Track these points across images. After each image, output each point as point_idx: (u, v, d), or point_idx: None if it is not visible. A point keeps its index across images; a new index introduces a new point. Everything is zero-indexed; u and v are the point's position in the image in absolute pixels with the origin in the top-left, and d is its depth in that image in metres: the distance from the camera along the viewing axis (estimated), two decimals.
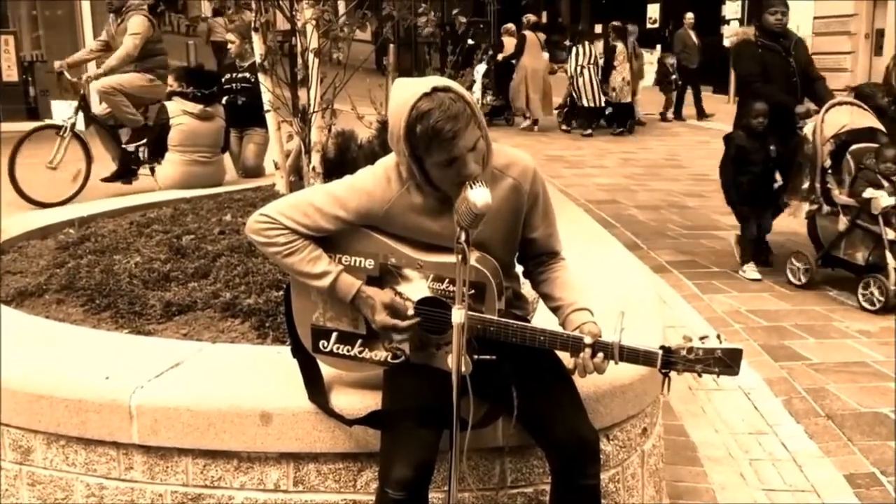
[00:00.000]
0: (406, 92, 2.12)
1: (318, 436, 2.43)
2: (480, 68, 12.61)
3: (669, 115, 15.68)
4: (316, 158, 4.62)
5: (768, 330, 4.84)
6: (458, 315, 2.04)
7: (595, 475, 2.24)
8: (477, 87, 12.56)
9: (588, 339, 2.19)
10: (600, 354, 2.18)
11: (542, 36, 14.80)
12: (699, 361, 2.17)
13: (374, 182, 2.28)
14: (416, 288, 2.29)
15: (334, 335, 2.39)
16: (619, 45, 13.83)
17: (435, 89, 2.08)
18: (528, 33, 14.07)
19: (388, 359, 2.36)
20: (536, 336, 2.22)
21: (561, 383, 2.32)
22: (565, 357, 2.35)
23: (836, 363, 4.38)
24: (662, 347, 2.19)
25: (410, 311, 2.28)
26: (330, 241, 2.32)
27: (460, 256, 2.00)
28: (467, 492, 2.46)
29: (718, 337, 2.19)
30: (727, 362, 2.16)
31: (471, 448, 2.23)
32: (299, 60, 4.59)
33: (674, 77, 15.21)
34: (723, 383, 4.14)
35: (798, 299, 5.39)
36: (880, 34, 16.12)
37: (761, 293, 5.52)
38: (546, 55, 15.08)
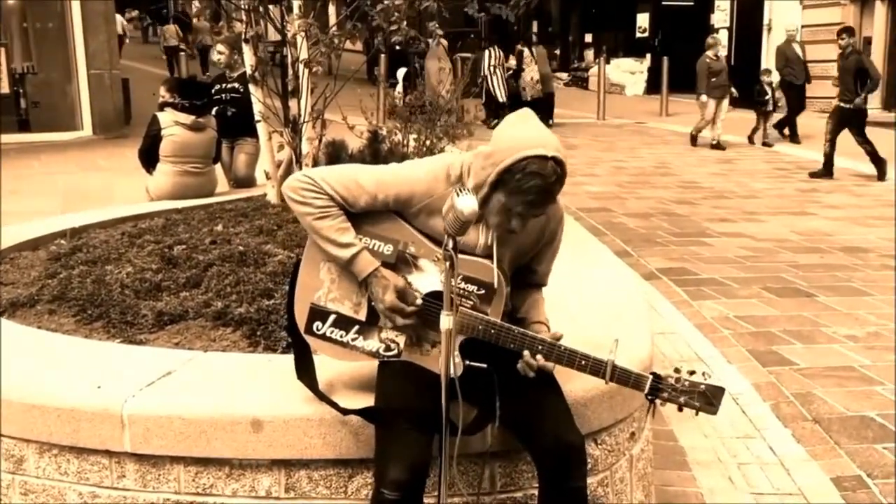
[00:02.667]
0: (527, 134, 2.20)
1: (310, 442, 2.45)
2: (401, 72, 14.55)
3: (757, 138, 13.66)
4: (307, 168, 4.65)
5: (756, 336, 4.88)
6: (446, 321, 2.08)
7: (582, 478, 2.27)
8: (399, 88, 14.21)
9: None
10: (539, 357, 2.28)
11: (446, 42, 15.64)
12: (684, 393, 2.29)
13: (423, 176, 2.37)
14: (426, 280, 2.35)
15: (332, 317, 2.42)
16: (526, 51, 15.51)
17: (554, 158, 2.16)
18: (430, 41, 14.96)
19: (381, 350, 2.40)
20: (535, 345, 2.28)
21: (547, 388, 2.36)
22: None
23: (824, 368, 4.42)
24: (653, 374, 2.29)
25: (419, 301, 2.34)
26: (355, 219, 2.38)
27: (448, 263, 2.04)
28: (457, 496, 2.49)
29: (703, 374, 2.32)
30: (709, 398, 2.29)
31: (460, 453, 2.26)
32: (290, 71, 4.63)
33: (766, 98, 13.35)
34: None
35: (786, 305, 5.44)
36: (868, 42, 16.26)
37: (750, 299, 5.57)
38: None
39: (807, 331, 4.97)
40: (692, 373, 2.31)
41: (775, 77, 14.01)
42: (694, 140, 13.56)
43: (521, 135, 2.21)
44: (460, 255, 2.28)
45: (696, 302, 5.50)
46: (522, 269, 2.49)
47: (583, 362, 2.29)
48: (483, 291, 2.29)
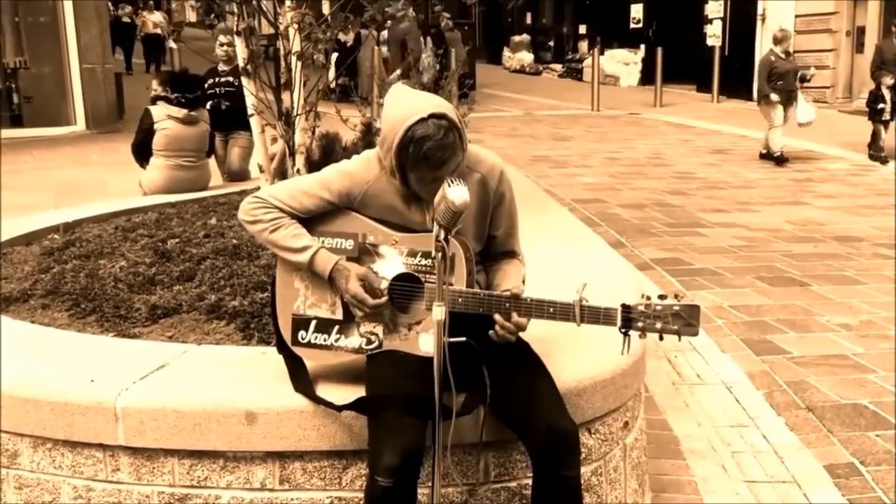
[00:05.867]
0: (403, 108, 2.28)
1: (304, 434, 2.46)
2: (333, 56, 15.17)
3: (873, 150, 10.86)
4: (300, 161, 4.64)
5: (750, 325, 4.90)
6: (438, 312, 2.09)
7: (575, 466, 2.28)
8: (332, 71, 14.79)
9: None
10: (514, 314, 2.28)
11: (376, 32, 16.09)
12: (658, 318, 2.20)
13: (356, 166, 2.47)
14: (390, 265, 2.40)
15: (313, 323, 2.47)
16: (429, 40, 16.09)
17: (432, 116, 2.23)
18: (362, 31, 15.25)
19: (363, 345, 2.44)
20: (502, 303, 2.29)
21: (538, 377, 2.37)
22: (540, 349, 2.41)
23: (817, 356, 4.43)
24: (622, 304, 2.23)
25: (384, 285, 2.39)
26: (312, 224, 2.46)
27: (440, 254, 2.05)
28: (451, 486, 2.50)
29: (675, 296, 2.24)
30: (686, 319, 2.20)
31: (454, 443, 2.27)
32: (282, 64, 4.61)
33: (881, 106, 10.55)
34: (705, 377, 4.19)
35: (779, 294, 5.45)
36: (861, 31, 16.27)
37: (744, 289, 5.58)
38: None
39: (800, 320, 4.99)
40: (663, 297, 2.23)
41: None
42: (778, 159, 10.51)
43: (395, 112, 2.29)
44: (412, 235, 2.37)
45: (690, 292, 5.51)
46: (487, 242, 2.52)
47: (551, 310, 2.28)
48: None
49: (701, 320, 4.96)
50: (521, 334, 2.37)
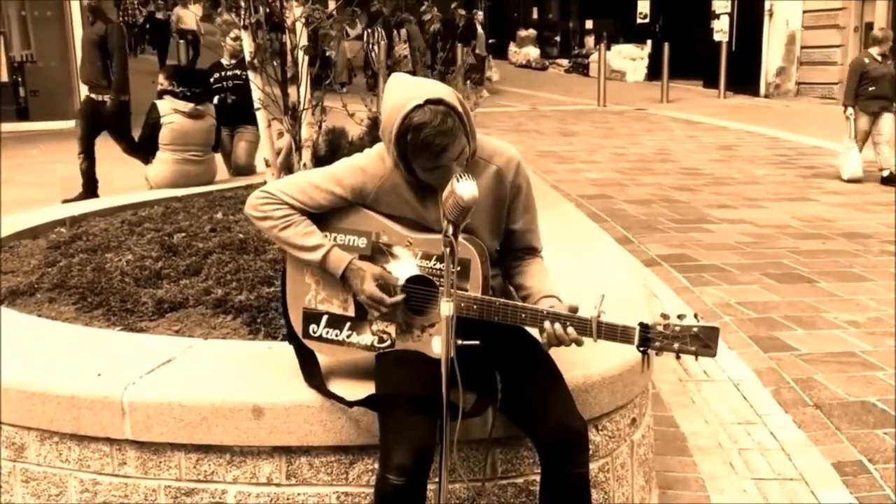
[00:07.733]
0: (400, 96, 2.22)
1: (310, 429, 2.46)
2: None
3: None
4: (307, 155, 4.63)
5: (757, 321, 4.88)
6: (446, 307, 2.07)
7: (584, 464, 2.27)
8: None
9: (593, 315, 2.21)
10: (570, 329, 2.22)
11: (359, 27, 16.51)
12: (676, 338, 2.17)
13: (369, 160, 2.40)
14: (404, 266, 2.36)
15: (324, 318, 2.45)
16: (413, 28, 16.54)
17: (428, 101, 2.16)
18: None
19: (375, 343, 2.42)
20: (518, 313, 2.26)
21: (548, 373, 2.36)
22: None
23: (825, 353, 4.41)
24: (640, 324, 2.21)
25: (400, 284, 2.35)
26: (324, 220, 2.41)
27: (448, 250, 2.04)
28: (458, 482, 2.49)
29: (696, 316, 2.21)
30: (704, 341, 2.16)
31: (461, 439, 2.26)
32: (289, 58, 4.60)
33: None
34: (712, 374, 4.18)
35: (787, 291, 5.43)
36: (869, 27, 16.19)
37: (751, 285, 5.56)
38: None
39: (808, 316, 4.97)
40: (682, 316, 2.20)
41: None
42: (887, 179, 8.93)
43: (392, 101, 2.23)
44: (427, 237, 2.33)
45: (697, 288, 5.50)
46: (506, 237, 2.46)
47: (567, 323, 2.25)
48: (459, 267, 2.27)
49: (708, 318, 4.94)
50: (529, 331, 2.36)
